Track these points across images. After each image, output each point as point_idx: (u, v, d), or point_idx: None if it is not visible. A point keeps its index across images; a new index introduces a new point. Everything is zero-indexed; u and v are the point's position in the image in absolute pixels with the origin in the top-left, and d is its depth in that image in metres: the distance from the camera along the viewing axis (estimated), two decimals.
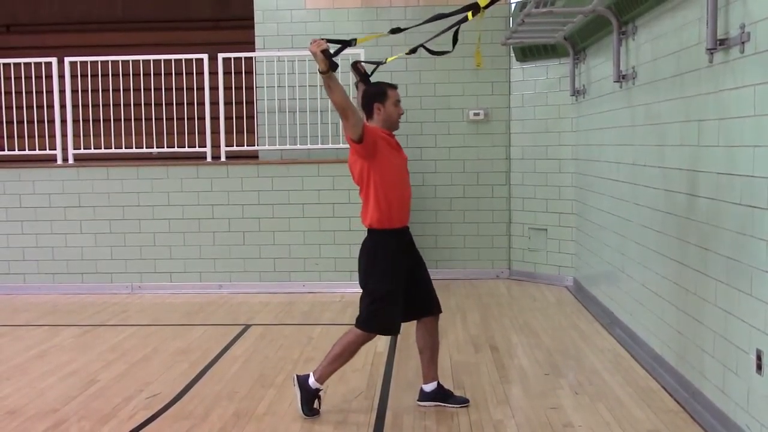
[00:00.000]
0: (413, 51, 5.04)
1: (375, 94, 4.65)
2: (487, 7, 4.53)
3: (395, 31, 4.81)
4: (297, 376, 4.73)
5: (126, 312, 7.65)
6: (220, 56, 8.41)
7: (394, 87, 4.72)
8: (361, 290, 4.69)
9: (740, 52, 3.92)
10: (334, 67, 4.30)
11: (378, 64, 5.11)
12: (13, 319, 7.42)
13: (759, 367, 3.74)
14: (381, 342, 5.90)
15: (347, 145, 4.63)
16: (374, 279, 4.59)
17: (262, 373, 5.53)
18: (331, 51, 4.34)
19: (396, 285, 4.57)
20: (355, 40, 4.65)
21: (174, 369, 5.68)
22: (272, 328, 6.93)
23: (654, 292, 5.44)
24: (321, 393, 4.71)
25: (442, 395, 4.79)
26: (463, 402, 4.79)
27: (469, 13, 4.53)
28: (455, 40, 4.88)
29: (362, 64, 4.91)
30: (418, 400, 4.82)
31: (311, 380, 4.64)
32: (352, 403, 4.89)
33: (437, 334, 4.83)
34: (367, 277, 4.64)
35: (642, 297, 5.74)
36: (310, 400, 4.65)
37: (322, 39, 4.29)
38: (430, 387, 4.79)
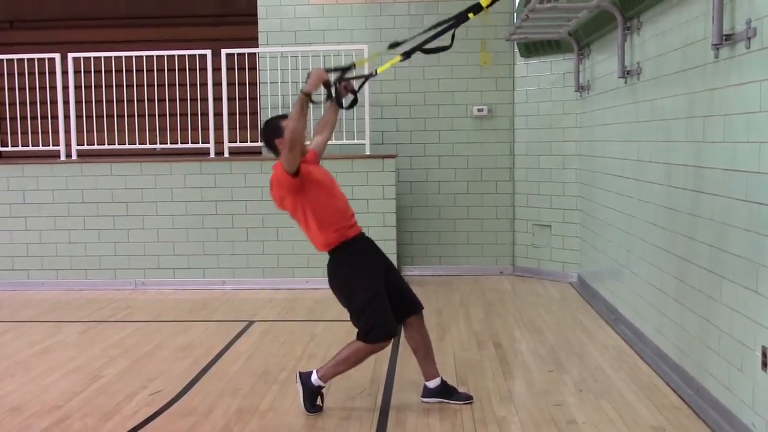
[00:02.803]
0: (408, 56, 4.64)
1: (271, 131, 4.55)
2: (489, 5, 4.49)
3: (394, 45, 4.61)
4: (300, 373, 4.73)
5: (129, 308, 7.65)
6: (224, 52, 8.39)
7: (284, 117, 4.58)
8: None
9: (746, 48, 3.89)
10: (339, 104, 4.38)
11: (367, 77, 4.82)
12: (17, 315, 7.42)
13: (764, 365, 3.72)
14: None
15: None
16: (354, 293, 4.56)
17: (265, 370, 5.53)
18: (331, 79, 4.35)
19: (377, 287, 4.53)
20: (354, 64, 4.58)
21: (177, 365, 5.68)
22: (275, 324, 6.92)
23: (658, 288, 5.42)
24: (323, 390, 4.71)
25: (446, 391, 4.77)
26: (467, 399, 4.77)
27: (470, 13, 4.50)
28: (453, 36, 4.68)
29: (351, 81, 4.63)
30: (422, 397, 4.80)
31: (314, 377, 4.64)
32: (355, 400, 4.88)
33: (425, 330, 4.80)
34: (347, 294, 4.61)
35: (646, 293, 5.72)
36: (312, 397, 4.65)
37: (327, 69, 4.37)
38: (433, 383, 4.76)
